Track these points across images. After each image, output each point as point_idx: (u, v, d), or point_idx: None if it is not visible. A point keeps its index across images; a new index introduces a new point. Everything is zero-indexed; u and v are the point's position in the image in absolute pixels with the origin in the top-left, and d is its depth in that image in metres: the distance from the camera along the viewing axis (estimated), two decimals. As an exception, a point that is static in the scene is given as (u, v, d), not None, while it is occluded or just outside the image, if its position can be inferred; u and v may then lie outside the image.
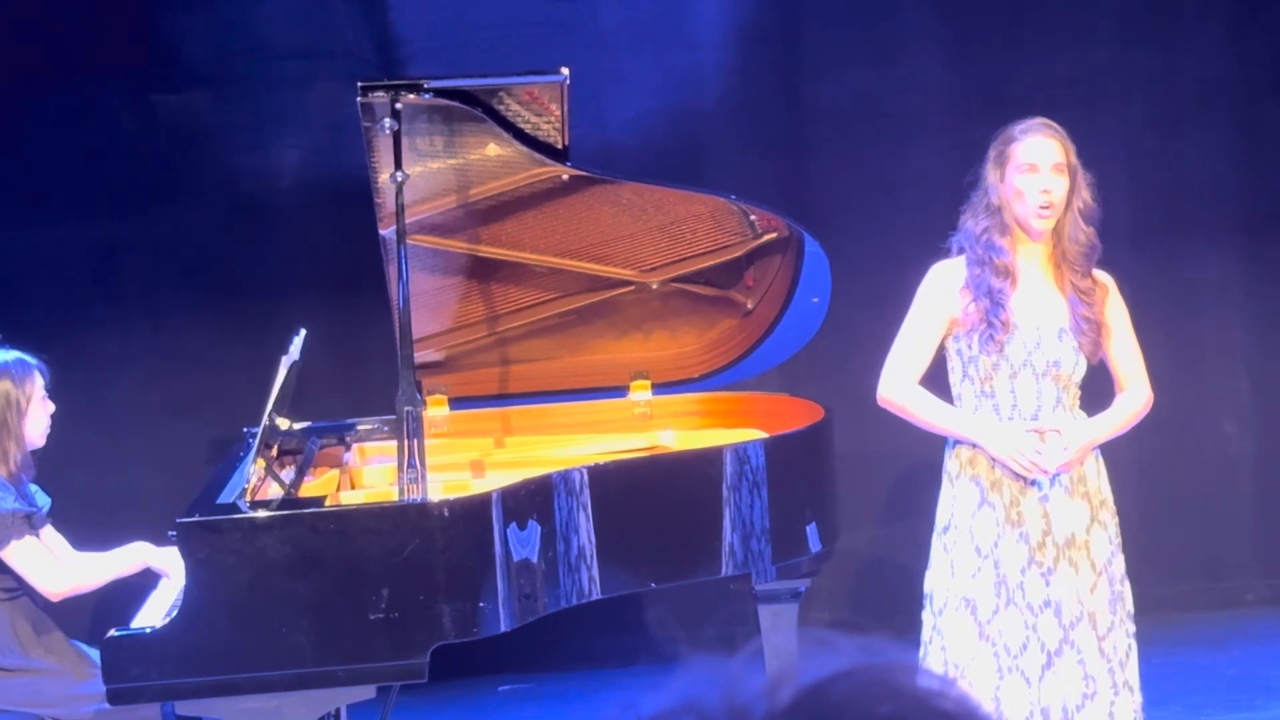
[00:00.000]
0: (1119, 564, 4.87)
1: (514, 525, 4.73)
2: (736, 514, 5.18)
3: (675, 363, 6.05)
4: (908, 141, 7.35)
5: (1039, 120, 4.87)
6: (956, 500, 4.85)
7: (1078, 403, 4.91)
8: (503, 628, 4.68)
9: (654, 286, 5.90)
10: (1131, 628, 4.87)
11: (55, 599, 4.99)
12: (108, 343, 7.10)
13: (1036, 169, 4.79)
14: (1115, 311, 4.92)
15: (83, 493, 6.56)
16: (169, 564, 5.03)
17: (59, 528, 5.26)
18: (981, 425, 4.83)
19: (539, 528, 4.80)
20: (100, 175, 7.14)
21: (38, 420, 5.09)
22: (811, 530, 5.39)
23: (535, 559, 4.78)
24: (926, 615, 4.88)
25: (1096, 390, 5.05)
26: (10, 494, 4.98)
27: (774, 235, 5.76)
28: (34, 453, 5.15)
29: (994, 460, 4.80)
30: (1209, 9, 7.55)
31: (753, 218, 5.73)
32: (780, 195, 6.84)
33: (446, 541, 4.61)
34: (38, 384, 5.09)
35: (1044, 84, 7.38)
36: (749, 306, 5.96)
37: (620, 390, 6.01)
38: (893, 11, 7.42)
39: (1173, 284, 7.54)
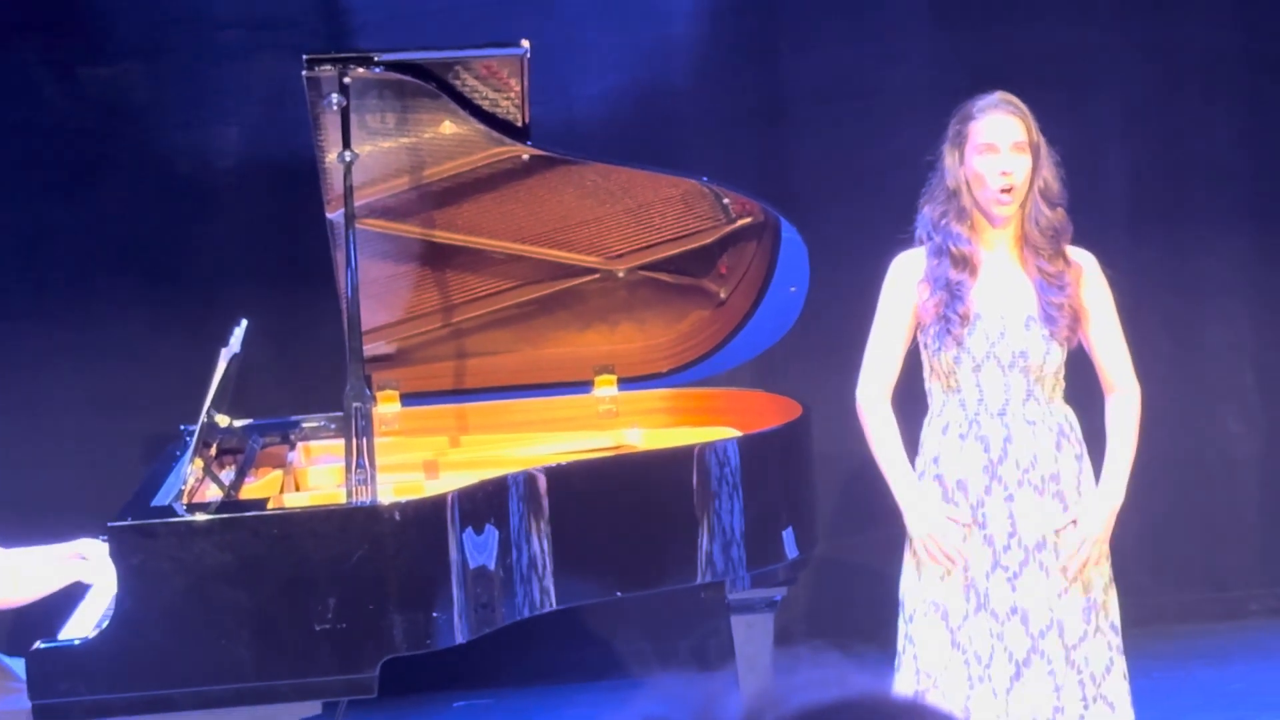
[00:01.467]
0: (1101, 571, 4.87)
1: (470, 530, 4.74)
2: (707, 518, 5.20)
3: (643, 356, 6.06)
4: (893, 120, 7.37)
5: (998, 95, 4.87)
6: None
7: (1058, 395, 4.90)
8: (458, 639, 4.70)
9: (620, 275, 5.91)
10: (1115, 639, 4.86)
11: None
12: (33, 334, 7.09)
13: (995, 149, 4.79)
14: (1094, 293, 4.89)
15: (6, 490, 6.56)
16: (89, 573, 4.98)
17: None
18: (909, 497, 4.87)
19: (496, 533, 4.82)
20: (24, 154, 7.13)
21: None
22: (788, 535, 5.41)
23: (493, 566, 4.80)
24: (900, 623, 4.92)
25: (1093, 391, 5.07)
26: None
27: (749, 220, 5.79)
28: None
29: (960, 458, 4.85)
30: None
31: (726, 201, 5.75)
32: (756, 177, 6.87)
33: (397, 547, 4.62)
34: None
35: (1038, 58, 7.41)
36: (722, 296, 5.98)
37: (584, 386, 6.02)
38: (875, -20, 7.45)
39: (1175, 273, 7.58)
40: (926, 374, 4.94)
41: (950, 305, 4.80)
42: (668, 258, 5.89)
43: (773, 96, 7.44)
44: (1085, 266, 4.89)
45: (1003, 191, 4.78)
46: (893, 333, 4.93)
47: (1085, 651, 4.79)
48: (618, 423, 6.00)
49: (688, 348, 6.06)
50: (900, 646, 4.90)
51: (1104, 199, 7.44)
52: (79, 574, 5.01)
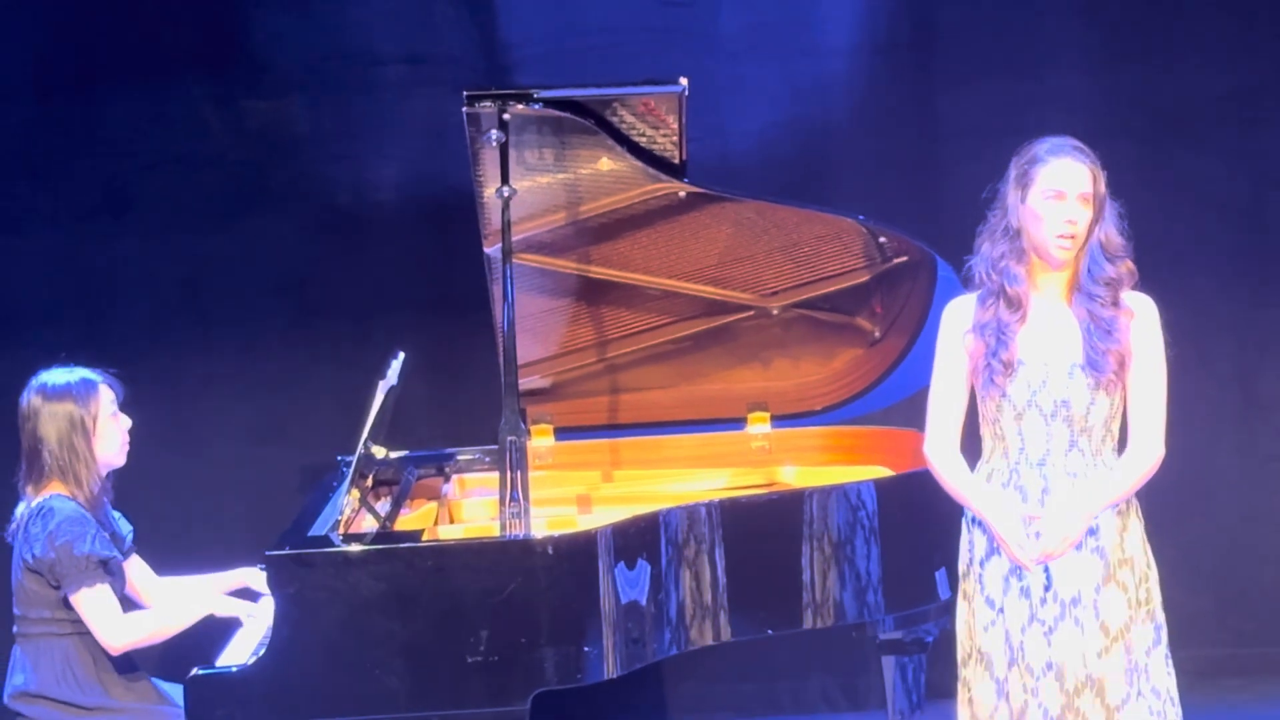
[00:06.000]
0: (1144, 633, 4.72)
1: (622, 565, 4.80)
2: (859, 557, 5.23)
3: (796, 394, 6.10)
4: (1051, 159, 7.33)
5: (1069, 141, 4.77)
6: (973, 547, 4.82)
7: (1107, 447, 4.74)
8: (608, 674, 4.75)
9: (775, 312, 5.95)
10: (1157, 704, 4.69)
11: (114, 652, 5.05)
12: (194, 362, 7.22)
13: (1063, 196, 4.67)
14: (1143, 342, 4.73)
15: (166, 518, 6.68)
16: (239, 610, 5.10)
17: (141, 554, 5.38)
18: (987, 499, 4.74)
19: (648, 568, 4.87)
20: (187, 185, 7.26)
21: (110, 438, 5.14)
22: (940, 576, 5.42)
23: (644, 601, 4.85)
24: (958, 666, 4.84)
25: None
26: (89, 531, 4.98)
27: (904, 259, 5.81)
28: (115, 473, 5.23)
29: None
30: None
31: (882, 240, 5.78)
32: (912, 216, 6.84)
33: (550, 581, 4.68)
34: (104, 400, 5.14)
35: (1201, 97, 7.36)
36: (876, 335, 6.01)
37: (737, 422, 6.07)
38: (1034, 18, 7.42)
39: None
40: (981, 421, 4.86)
41: (994, 352, 4.74)
42: (822, 295, 5.92)
43: (931, 134, 7.43)
44: (1140, 313, 4.74)
45: (1061, 236, 4.71)
46: (948, 384, 4.81)
47: (1128, 715, 4.68)
48: (771, 460, 6.03)
49: (841, 386, 6.08)
50: (959, 691, 4.85)
51: (1273, 240, 7.37)
52: (212, 608, 5.11)
